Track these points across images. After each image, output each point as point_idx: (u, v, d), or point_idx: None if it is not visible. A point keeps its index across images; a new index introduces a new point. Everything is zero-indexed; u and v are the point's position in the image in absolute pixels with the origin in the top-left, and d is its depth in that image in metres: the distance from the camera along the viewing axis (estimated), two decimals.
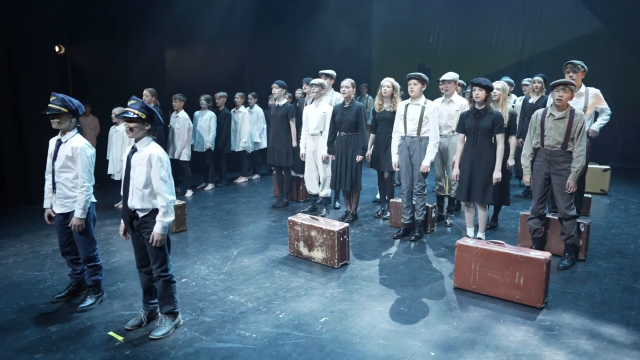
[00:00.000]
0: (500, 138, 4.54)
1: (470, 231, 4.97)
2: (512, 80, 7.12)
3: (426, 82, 5.07)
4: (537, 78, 6.45)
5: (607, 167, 7.41)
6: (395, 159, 5.19)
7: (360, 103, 5.74)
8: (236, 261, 4.64)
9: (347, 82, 5.59)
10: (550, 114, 4.30)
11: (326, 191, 6.10)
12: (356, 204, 5.97)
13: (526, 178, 4.56)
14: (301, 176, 6.63)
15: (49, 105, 3.43)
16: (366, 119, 5.78)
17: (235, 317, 3.49)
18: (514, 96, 7.13)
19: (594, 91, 4.82)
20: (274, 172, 7.04)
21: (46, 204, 3.68)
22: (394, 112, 5.32)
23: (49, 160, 3.59)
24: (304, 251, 4.64)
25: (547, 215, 4.65)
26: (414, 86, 4.98)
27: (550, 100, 4.53)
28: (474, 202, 4.81)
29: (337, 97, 6.35)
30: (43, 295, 3.87)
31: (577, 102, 4.68)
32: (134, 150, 3.14)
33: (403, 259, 4.66)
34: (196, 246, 5.09)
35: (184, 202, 5.74)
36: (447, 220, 5.82)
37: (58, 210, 3.59)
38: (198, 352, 3.04)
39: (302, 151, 6.15)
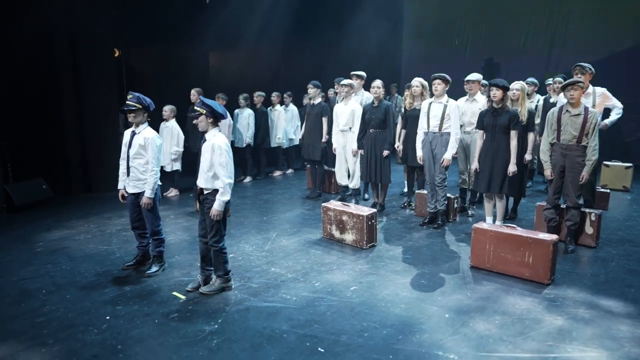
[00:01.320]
0: (514, 134, 4.95)
1: (489, 220, 5.39)
2: (535, 80, 7.45)
3: (449, 82, 5.52)
4: (557, 78, 6.78)
5: (630, 164, 7.65)
6: (419, 153, 5.67)
7: (388, 102, 6.24)
8: (275, 241, 5.22)
9: (378, 82, 6.09)
10: (567, 110, 4.69)
11: (355, 183, 6.62)
12: (384, 196, 6.48)
13: (547, 172, 4.91)
14: (333, 170, 7.17)
15: (127, 102, 4.10)
16: (394, 117, 6.27)
17: (277, 284, 4.07)
18: (538, 95, 7.47)
19: (600, 90, 5.17)
20: (308, 165, 7.61)
21: (120, 186, 4.36)
22: None
23: (124, 148, 4.26)
24: (336, 234, 5.19)
25: (562, 206, 5.03)
26: (438, 85, 5.44)
27: (563, 100, 4.91)
28: (493, 193, 5.23)
29: (367, 97, 6.86)
30: (114, 264, 4.56)
31: (586, 102, 5.03)
32: (203, 140, 3.76)
33: (425, 242, 5.15)
34: (239, 229, 5.71)
35: None
36: (469, 211, 6.25)
37: (131, 190, 4.26)
38: (248, 308, 3.63)
39: (333, 145, 6.70)
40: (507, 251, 4.20)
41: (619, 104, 5.25)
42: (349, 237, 5.07)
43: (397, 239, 5.28)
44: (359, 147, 6.32)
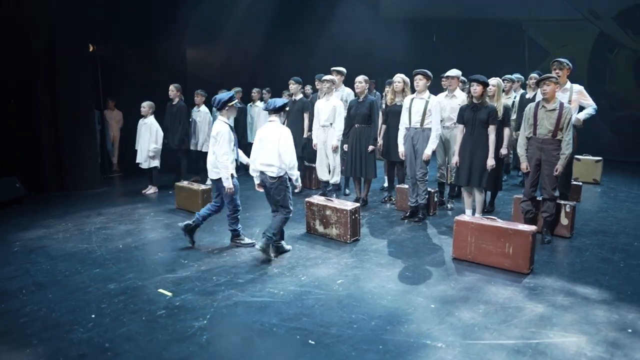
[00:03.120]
0: (492, 129, 5.08)
1: (468, 213, 5.51)
2: (513, 77, 7.61)
3: (430, 78, 5.61)
4: (533, 75, 6.98)
5: (599, 158, 7.94)
6: (401, 148, 5.75)
7: (372, 97, 6.30)
8: (260, 237, 5.21)
9: (360, 78, 6.15)
10: (543, 106, 4.85)
11: (335, 178, 6.66)
12: (367, 191, 6.54)
13: (523, 165, 5.07)
14: (314, 165, 7.19)
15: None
16: (378, 112, 6.33)
17: (264, 279, 4.08)
18: (520, 91, 7.62)
19: (578, 87, 5.36)
20: None
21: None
22: None
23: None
24: (320, 228, 5.22)
25: (538, 198, 5.19)
26: (419, 81, 5.52)
27: (539, 95, 5.07)
28: (472, 186, 5.35)
29: (347, 92, 6.91)
30: (96, 263, 4.48)
31: (563, 97, 5.20)
32: None
33: (408, 236, 5.24)
34: (223, 225, 5.64)
35: (209, 187, 6.32)
36: (448, 205, 6.38)
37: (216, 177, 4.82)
38: (236, 303, 3.63)
39: (314, 141, 6.72)
40: (488, 242, 4.31)
41: (594, 104, 5.44)
42: (332, 231, 5.11)
43: (380, 232, 5.35)
44: (343, 142, 6.36)
